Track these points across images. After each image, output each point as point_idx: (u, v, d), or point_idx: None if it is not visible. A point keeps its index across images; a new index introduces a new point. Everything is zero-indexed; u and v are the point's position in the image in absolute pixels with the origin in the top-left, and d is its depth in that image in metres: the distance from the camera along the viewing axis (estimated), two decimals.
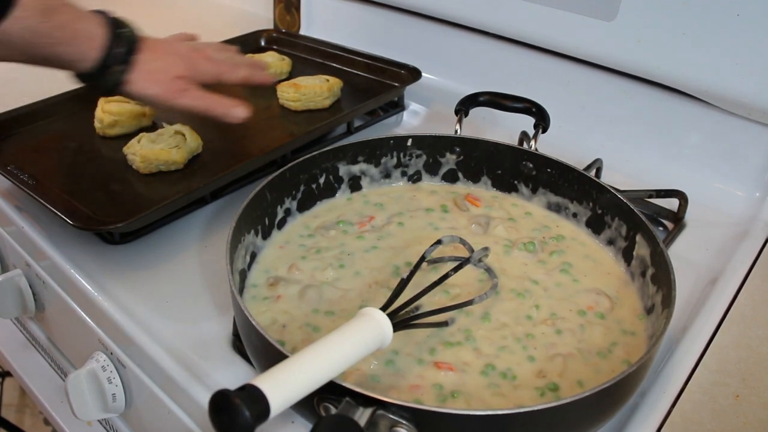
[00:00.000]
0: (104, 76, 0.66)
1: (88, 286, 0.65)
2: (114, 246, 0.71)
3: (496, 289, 0.59)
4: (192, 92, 0.71)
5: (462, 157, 0.74)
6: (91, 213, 0.69)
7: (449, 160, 0.74)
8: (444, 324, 0.55)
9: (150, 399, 0.61)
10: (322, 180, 0.71)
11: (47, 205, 0.67)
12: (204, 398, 0.54)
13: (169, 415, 0.59)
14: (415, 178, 0.76)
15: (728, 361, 0.58)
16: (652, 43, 0.79)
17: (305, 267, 0.62)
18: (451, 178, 0.75)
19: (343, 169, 0.72)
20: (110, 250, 0.70)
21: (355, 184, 0.74)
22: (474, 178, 0.75)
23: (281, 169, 0.66)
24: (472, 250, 0.61)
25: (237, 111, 0.72)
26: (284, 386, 0.39)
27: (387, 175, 0.75)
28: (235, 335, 0.60)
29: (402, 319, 0.50)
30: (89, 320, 0.66)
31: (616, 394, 0.46)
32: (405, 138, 0.73)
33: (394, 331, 0.47)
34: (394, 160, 0.74)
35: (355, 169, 0.73)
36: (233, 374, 0.57)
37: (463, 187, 0.75)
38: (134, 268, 0.68)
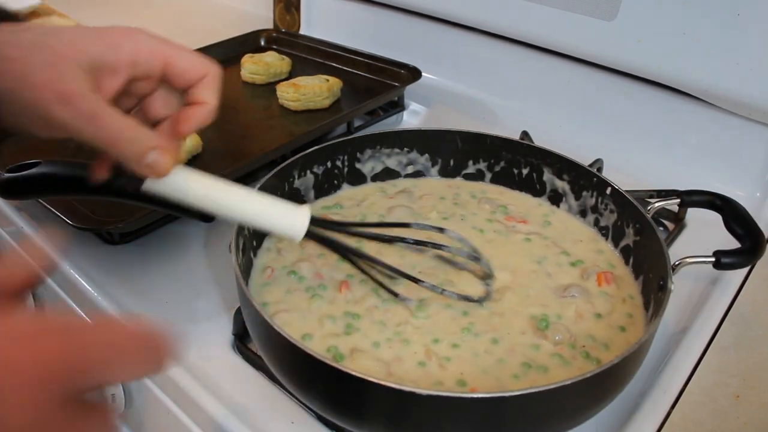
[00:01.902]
0: None
1: (88, 286, 0.65)
2: (114, 246, 0.71)
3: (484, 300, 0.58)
4: None
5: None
6: (91, 213, 0.69)
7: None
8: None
9: (150, 399, 0.61)
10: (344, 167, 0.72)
11: (47, 205, 0.67)
12: (204, 398, 0.54)
13: (168, 415, 0.59)
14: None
15: (728, 361, 0.58)
16: (652, 43, 0.78)
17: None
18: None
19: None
20: (110, 250, 0.70)
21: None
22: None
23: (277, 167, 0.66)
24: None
25: None
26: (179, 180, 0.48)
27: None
28: (236, 335, 0.60)
29: (322, 222, 0.55)
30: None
31: (596, 389, 0.46)
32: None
33: (310, 228, 0.52)
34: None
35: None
36: (233, 374, 0.57)
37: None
38: (134, 268, 0.68)
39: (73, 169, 0.55)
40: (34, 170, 0.53)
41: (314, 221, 0.53)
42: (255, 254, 0.63)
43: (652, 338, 0.51)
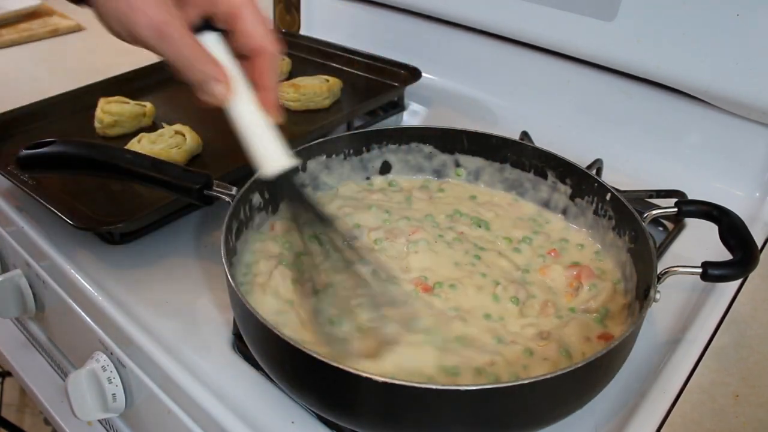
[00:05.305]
0: None
1: (88, 286, 0.65)
2: (114, 246, 0.71)
3: None
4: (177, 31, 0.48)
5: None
6: (91, 213, 0.69)
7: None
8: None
9: (150, 399, 0.61)
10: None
11: (47, 205, 0.67)
12: (204, 398, 0.54)
13: (169, 415, 0.59)
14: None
15: (728, 360, 0.58)
16: (652, 43, 0.79)
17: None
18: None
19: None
20: (110, 250, 0.70)
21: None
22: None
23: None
24: None
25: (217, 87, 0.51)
26: None
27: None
28: (235, 335, 0.60)
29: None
30: (89, 320, 0.66)
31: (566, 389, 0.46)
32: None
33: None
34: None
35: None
36: (233, 374, 0.57)
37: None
38: (134, 268, 0.68)
39: (83, 149, 0.61)
40: (48, 148, 0.60)
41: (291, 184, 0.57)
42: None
43: (631, 343, 0.51)
